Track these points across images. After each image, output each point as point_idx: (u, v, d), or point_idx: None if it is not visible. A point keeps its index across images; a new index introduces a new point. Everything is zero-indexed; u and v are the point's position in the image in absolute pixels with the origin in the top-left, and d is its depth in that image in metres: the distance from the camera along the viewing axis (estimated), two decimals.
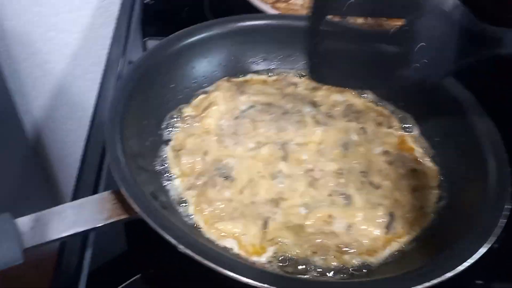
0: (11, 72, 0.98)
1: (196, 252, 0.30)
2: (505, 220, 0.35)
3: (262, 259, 0.37)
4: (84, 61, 1.00)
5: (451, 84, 0.48)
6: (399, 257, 0.38)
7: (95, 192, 0.43)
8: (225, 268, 0.30)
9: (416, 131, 0.50)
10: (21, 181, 0.98)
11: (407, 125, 0.51)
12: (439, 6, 0.39)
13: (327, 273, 0.36)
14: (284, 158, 0.45)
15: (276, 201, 0.41)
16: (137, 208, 0.33)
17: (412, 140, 0.49)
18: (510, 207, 0.36)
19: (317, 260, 0.37)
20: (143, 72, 0.46)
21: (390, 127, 0.50)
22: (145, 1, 0.79)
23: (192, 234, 0.35)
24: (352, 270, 0.36)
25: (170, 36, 0.51)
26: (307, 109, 0.51)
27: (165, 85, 0.49)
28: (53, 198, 1.16)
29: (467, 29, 0.38)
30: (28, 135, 1.08)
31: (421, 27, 0.39)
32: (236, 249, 0.37)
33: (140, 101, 0.45)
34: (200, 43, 0.52)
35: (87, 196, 0.36)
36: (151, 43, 0.74)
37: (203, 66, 0.53)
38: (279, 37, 0.56)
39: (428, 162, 0.47)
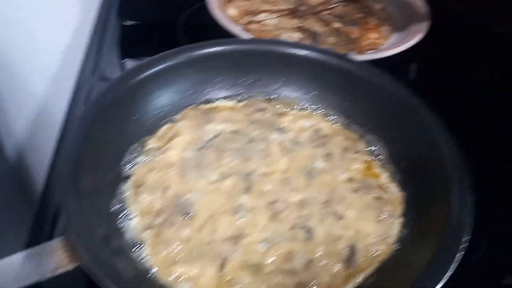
0: None
1: None
2: (463, 253, 0.35)
3: None
4: (65, 82, 1.00)
5: (419, 107, 0.47)
6: None
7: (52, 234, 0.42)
8: None
9: (383, 155, 0.49)
10: (1, 203, 0.97)
11: (374, 149, 0.50)
12: None
13: None
14: (247, 190, 0.45)
15: (235, 238, 0.40)
16: (84, 258, 0.32)
17: (378, 165, 0.49)
18: (469, 238, 0.35)
19: None
20: (103, 107, 0.45)
21: (356, 152, 0.50)
22: (123, 23, 0.80)
23: (141, 284, 0.34)
24: None
25: (132, 67, 0.50)
26: (274, 136, 0.51)
27: (127, 118, 0.48)
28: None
29: None
30: (10, 157, 1.08)
31: None
32: None
33: (99, 137, 0.44)
34: (164, 73, 0.51)
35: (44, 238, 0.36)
36: (130, 64, 0.75)
37: (169, 95, 0.53)
38: (246, 62, 0.55)
39: (393, 188, 0.46)
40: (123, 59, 0.76)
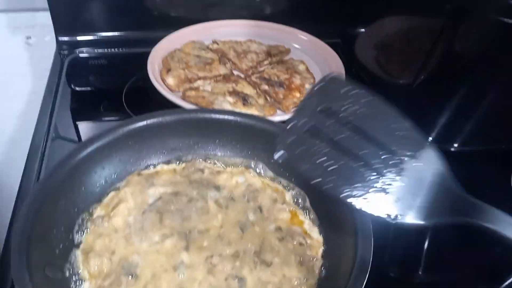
0: None
1: None
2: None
3: None
4: (22, 145, 1.03)
5: None
6: None
7: None
8: None
9: (306, 203, 0.57)
10: None
11: (298, 199, 0.58)
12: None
13: None
14: (186, 248, 0.50)
15: None
16: None
17: (302, 213, 0.56)
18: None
19: None
20: (51, 185, 0.50)
21: (283, 202, 0.57)
22: (74, 89, 0.86)
23: None
24: None
25: (77, 145, 0.56)
26: (211, 194, 0.57)
27: (76, 190, 0.53)
28: None
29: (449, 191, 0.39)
30: None
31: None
32: None
33: (48, 213, 0.48)
34: (107, 146, 0.57)
35: None
36: (82, 126, 0.80)
37: (113, 165, 0.58)
38: (183, 129, 0.62)
39: (315, 234, 0.53)
40: (76, 121, 0.81)
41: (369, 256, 0.44)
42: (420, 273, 0.59)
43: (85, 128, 0.80)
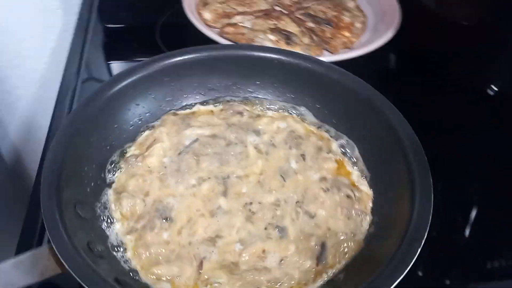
0: None
1: None
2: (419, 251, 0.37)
3: None
4: (54, 84, 1.01)
5: (386, 108, 0.49)
6: None
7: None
8: None
9: (354, 154, 0.52)
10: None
11: (346, 149, 0.53)
12: None
13: None
14: (224, 193, 0.47)
15: (213, 240, 0.43)
16: (66, 265, 0.34)
17: (350, 163, 0.51)
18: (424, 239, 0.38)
19: None
20: (83, 119, 0.47)
21: (329, 151, 0.52)
22: (106, 26, 0.81)
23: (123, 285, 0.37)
24: None
25: (109, 78, 0.52)
26: (251, 139, 0.53)
27: (108, 127, 0.50)
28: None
29: None
30: (6, 160, 1.09)
31: None
32: None
33: (80, 148, 0.46)
34: (141, 82, 0.53)
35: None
36: (115, 65, 0.76)
37: (147, 102, 0.54)
38: (222, 67, 0.57)
39: (363, 186, 0.49)
40: (108, 61, 0.77)
41: (428, 217, 0.39)
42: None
43: (118, 67, 0.76)
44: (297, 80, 0.57)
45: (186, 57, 0.55)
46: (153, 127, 0.54)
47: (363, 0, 0.80)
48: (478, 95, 0.66)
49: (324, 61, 0.56)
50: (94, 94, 0.50)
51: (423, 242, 0.37)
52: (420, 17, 0.75)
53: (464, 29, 0.68)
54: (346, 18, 0.73)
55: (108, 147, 0.50)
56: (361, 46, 0.68)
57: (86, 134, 0.47)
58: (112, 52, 0.77)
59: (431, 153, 0.45)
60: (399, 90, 0.69)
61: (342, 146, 0.53)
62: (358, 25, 0.73)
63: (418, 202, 0.41)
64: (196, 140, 0.52)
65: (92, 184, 0.46)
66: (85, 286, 0.33)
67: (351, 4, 0.77)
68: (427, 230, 0.38)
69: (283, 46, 0.67)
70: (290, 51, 0.58)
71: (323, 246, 0.43)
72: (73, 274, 0.34)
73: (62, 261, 0.35)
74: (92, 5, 0.85)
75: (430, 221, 0.39)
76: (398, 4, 0.74)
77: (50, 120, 0.63)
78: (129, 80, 0.52)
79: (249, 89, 0.59)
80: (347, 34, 0.70)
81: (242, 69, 0.58)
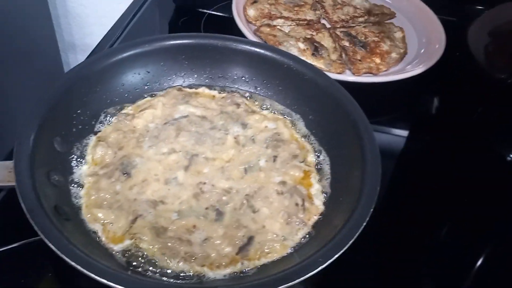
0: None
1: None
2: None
3: (116, 247, 0.42)
4: None
5: (368, 139, 0.49)
6: (238, 278, 0.41)
7: None
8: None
9: (325, 169, 0.52)
10: None
11: (320, 162, 0.53)
12: None
13: (164, 277, 0.41)
14: (186, 167, 0.50)
15: (155, 203, 0.46)
16: (16, 180, 0.40)
17: (315, 178, 0.52)
18: None
19: (162, 260, 0.42)
20: (94, 68, 0.53)
21: (303, 161, 0.53)
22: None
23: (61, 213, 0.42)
24: (186, 278, 0.41)
25: (128, 42, 0.58)
26: (235, 129, 0.56)
27: (115, 83, 0.56)
28: None
29: None
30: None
31: None
32: (100, 233, 0.43)
33: (82, 91, 0.52)
34: (157, 52, 0.58)
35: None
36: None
37: (158, 72, 0.59)
38: (235, 59, 0.61)
39: (318, 201, 0.49)
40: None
41: (355, 233, 0.39)
42: None
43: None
44: (300, 88, 0.58)
45: (204, 41, 0.60)
46: (155, 95, 0.59)
47: (413, 32, 0.78)
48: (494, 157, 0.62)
49: (329, 77, 0.56)
50: (111, 51, 0.56)
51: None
52: (460, 63, 0.72)
53: (497, 85, 0.64)
54: (385, 46, 0.72)
55: (108, 101, 0.56)
56: (386, 75, 0.67)
57: (93, 83, 0.54)
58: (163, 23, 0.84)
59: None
60: (411, 130, 0.68)
61: (317, 158, 0.54)
62: (394, 55, 0.72)
63: (352, 223, 0.41)
64: (185, 116, 0.56)
65: (80, 126, 0.52)
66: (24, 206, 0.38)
67: (398, 35, 0.76)
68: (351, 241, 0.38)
69: (309, 56, 0.69)
70: (302, 60, 0.60)
71: (250, 239, 0.44)
72: (18, 193, 0.39)
73: (15, 176, 0.40)
74: None
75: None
76: (444, 43, 0.71)
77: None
78: (147, 48, 0.57)
79: (255, 86, 0.61)
80: (377, 60, 0.70)
81: (254, 66, 0.60)
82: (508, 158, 0.61)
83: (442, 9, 0.80)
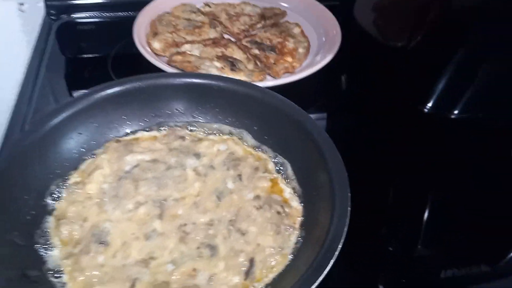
0: None
1: None
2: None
3: None
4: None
5: (314, 130, 0.53)
6: None
7: None
8: None
9: (288, 171, 0.55)
10: None
11: (281, 168, 0.56)
12: None
13: None
14: (160, 216, 0.49)
15: (146, 261, 0.45)
16: None
17: (283, 182, 0.54)
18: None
19: None
20: (22, 150, 0.49)
21: (265, 171, 0.55)
22: (63, 54, 0.84)
23: None
24: None
25: (52, 108, 0.54)
26: (190, 162, 0.55)
27: (50, 156, 0.52)
28: None
29: None
30: None
31: None
32: None
33: (19, 178, 0.48)
34: (84, 111, 0.55)
35: None
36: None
37: (90, 131, 0.57)
38: (165, 94, 0.60)
39: (294, 202, 0.52)
40: (70, 90, 0.79)
41: (344, 225, 0.42)
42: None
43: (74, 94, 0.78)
44: (236, 104, 0.60)
45: (127, 86, 0.58)
46: (95, 154, 0.56)
47: (308, 24, 0.84)
48: (414, 114, 0.71)
49: (259, 87, 0.59)
50: (35, 124, 0.52)
51: (336, 251, 0.40)
52: (359, 42, 0.80)
53: (399, 52, 0.72)
54: (290, 44, 0.77)
55: (51, 175, 0.52)
56: (302, 70, 0.72)
57: (26, 164, 0.49)
58: (72, 79, 0.79)
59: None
60: (338, 109, 0.74)
61: (277, 164, 0.56)
62: (301, 50, 0.77)
63: (336, 216, 0.44)
64: (136, 166, 0.55)
65: (33, 212, 0.48)
66: None
67: (296, 30, 0.81)
68: (342, 240, 0.41)
69: (228, 72, 0.71)
70: (228, 77, 0.62)
71: (251, 261, 0.45)
72: None
73: None
74: (49, 34, 0.87)
75: (344, 231, 0.42)
76: (339, 29, 0.78)
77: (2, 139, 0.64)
78: (71, 111, 0.54)
79: (192, 114, 0.61)
80: (289, 59, 0.74)
81: (184, 96, 0.61)
82: (425, 110, 0.70)
83: None
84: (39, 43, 0.85)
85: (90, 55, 0.84)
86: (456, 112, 0.69)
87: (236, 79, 0.61)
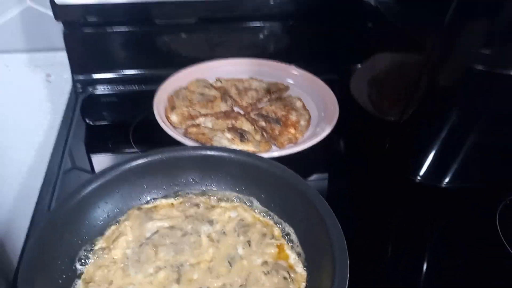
0: None
1: None
2: None
3: None
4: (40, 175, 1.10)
5: (316, 200, 0.59)
6: None
7: None
8: None
9: (292, 237, 0.61)
10: None
11: (286, 234, 0.61)
12: None
13: None
14: (178, 280, 0.54)
15: None
16: None
17: (289, 248, 0.60)
18: None
19: None
20: (58, 219, 0.55)
21: (272, 237, 0.61)
22: (88, 124, 0.92)
23: None
24: None
25: (81, 183, 0.61)
26: (204, 228, 0.61)
27: (80, 223, 0.59)
28: None
29: None
30: None
31: None
32: None
33: (54, 244, 0.54)
34: (110, 182, 0.62)
35: None
36: (95, 158, 0.86)
37: (115, 200, 0.63)
38: (181, 166, 0.67)
39: (299, 268, 0.57)
40: (90, 154, 0.87)
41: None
42: None
43: (98, 160, 0.86)
44: (246, 174, 0.67)
45: (149, 159, 0.65)
46: (119, 221, 0.62)
47: (308, 98, 0.93)
48: (405, 183, 0.77)
49: (266, 158, 0.66)
50: (68, 196, 0.59)
51: None
52: (355, 114, 0.88)
53: (392, 125, 0.80)
54: (293, 117, 0.86)
55: (80, 242, 0.58)
56: (304, 141, 0.80)
57: (60, 233, 0.55)
58: (93, 146, 0.87)
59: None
60: (337, 176, 0.81)
61: (283, 230, 0.62)
62: (303, 123, 0.85)
63: (337, 281, 0.49)
64: (156, 232, 0.61)
65: (64, 276, 0.53)
66: None
67: (298, 104, 0.90)
68: None
69: (238, 143, 0.79)
70: (239, 150, 0.69)
71: None
72: None
73: None
74: (75, 106, 0.97)
75: None
76: (337, 104, 0.87)
77: (33, 209, 0.71)
78: (100, 182, 0.61)
79: (206, 183, 0.68)
80: (292, 131, 0.82)
81: (200, 167, 0.68)
82: (417, 180, 0.76)
83: (323, 71, 0.97)
84: (67, 113, 0.94)
85: (113, 125, 0.93)
86: (446, 181, 0.75)
87: (246, 152, 0.69)
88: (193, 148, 0.69)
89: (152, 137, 0.84)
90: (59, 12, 0.89)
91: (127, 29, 0.96)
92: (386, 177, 0.77)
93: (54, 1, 0.87)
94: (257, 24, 1.01)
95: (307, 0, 0.98)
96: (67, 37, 0.95)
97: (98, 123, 0.95)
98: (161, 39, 0.98)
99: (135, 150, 0.83)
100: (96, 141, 0.89)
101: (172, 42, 0.99)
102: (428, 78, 0.71)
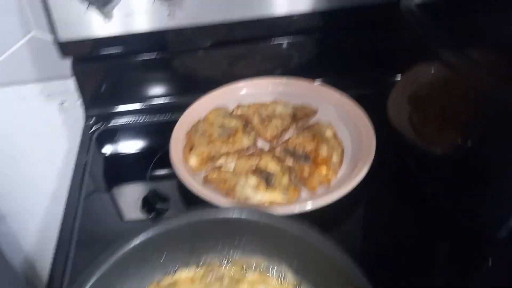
0: None
1: None
2: None
3: None
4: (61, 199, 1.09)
5: (354, 274, 0.51)
6: None
7: None
8: None
9: None
10: None
11: None
12: None
13: None
14: None
15: None
16: None
17: None
18: None
19: None
20: None
21: None
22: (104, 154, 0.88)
23: None
24: None
25: (95, 262, 0.55)
26: None
27: None
28: None
29: None
30: (20, 272, 1.15)
31: None
32: None
33: None
34: (124, 262, 0.56)
35: None
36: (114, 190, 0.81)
37: (130, 278, 0.58)
38: (203, 230, 0.61)
39: None
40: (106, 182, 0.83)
41: None
42: None
43: (117, 192, 0.81)
44: (275, 239, 0.59)
45: (165, 227, 0.58)
46: None
47: (340, 123, 0.84)
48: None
49: (297, 223, 0.58)
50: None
51: None
52: (395, 147, 0.78)
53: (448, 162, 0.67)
54: (323, 152, 0.77)
55: None
56: (339, 183, 0.71)
57: None
58: (111, 178, 0.84)
59: None
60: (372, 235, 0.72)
61: None
62: (335, 158, 0.76)
63: None
64: None
65: None
66: None
67: (328, 133, 0.81)
68: None
69: (263, 189, 0.71)
70: (266, 213, 0.61)
71: None
72: None
73: None
74: (90, 141, 0.92)
75: None
76: (373, 133, 0.77)
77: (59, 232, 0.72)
78: (111, 262, 0.55)
79: (230, 248, 0.61)
80: (324, 171, 0.73)
81: (222, 231, 0.61)
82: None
83: (356, 85, 0.87)
84: (82, 147, 0.89)
85: (130, 158, 0.87)
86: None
87: (275, 216, 0.61)
88: (213, 211, 0.61)
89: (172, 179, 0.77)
90: (64, 49, 0.82)
91: (141, 58, 0.89)
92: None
93: (57, 38, 0.80)
94: (279, 41, 0.92)
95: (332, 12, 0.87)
96: (77, 72, 0.89)
97: (116, 154, 0.90)
98: (177, 64, 0.91)
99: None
100: (116, 173, 0.85)
101: (189, 67, 0.92)
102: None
